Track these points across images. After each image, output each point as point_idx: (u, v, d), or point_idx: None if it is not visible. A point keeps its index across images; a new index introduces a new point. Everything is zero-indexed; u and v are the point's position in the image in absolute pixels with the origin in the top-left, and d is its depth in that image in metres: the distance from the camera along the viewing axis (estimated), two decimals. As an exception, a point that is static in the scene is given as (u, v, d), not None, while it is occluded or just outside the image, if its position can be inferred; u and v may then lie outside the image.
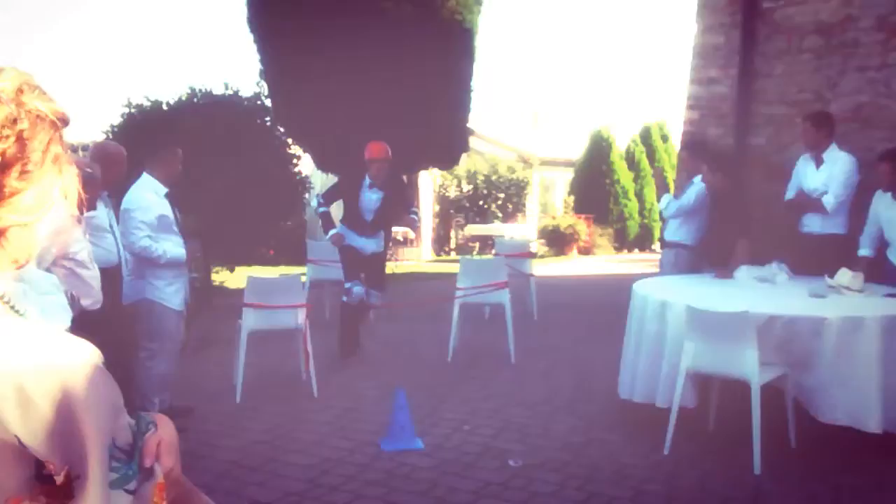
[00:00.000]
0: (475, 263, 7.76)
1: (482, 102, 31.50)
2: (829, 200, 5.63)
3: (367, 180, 6.74)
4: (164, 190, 5.07)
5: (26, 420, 0.87)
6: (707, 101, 6.86)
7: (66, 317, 3.26)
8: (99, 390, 0.93)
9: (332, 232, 6.87)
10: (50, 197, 0.98)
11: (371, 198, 6.81)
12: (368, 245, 6.94)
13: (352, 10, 10.23)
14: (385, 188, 6.80)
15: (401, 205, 7.09)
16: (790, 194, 5.97)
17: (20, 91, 0.94)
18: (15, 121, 0.92)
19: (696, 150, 6.44)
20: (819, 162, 5.78)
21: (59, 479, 0.89)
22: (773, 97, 6.50)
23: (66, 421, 0.89)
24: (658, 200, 6.46)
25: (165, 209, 5.03)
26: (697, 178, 6.19)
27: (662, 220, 6.78)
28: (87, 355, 0.95)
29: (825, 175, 5.72)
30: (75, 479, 0.89)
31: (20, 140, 0.92)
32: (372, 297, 6.99)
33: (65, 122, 1.00)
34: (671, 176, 11.80)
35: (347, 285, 6.85)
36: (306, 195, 10.98)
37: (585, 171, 21.85)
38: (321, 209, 6.89)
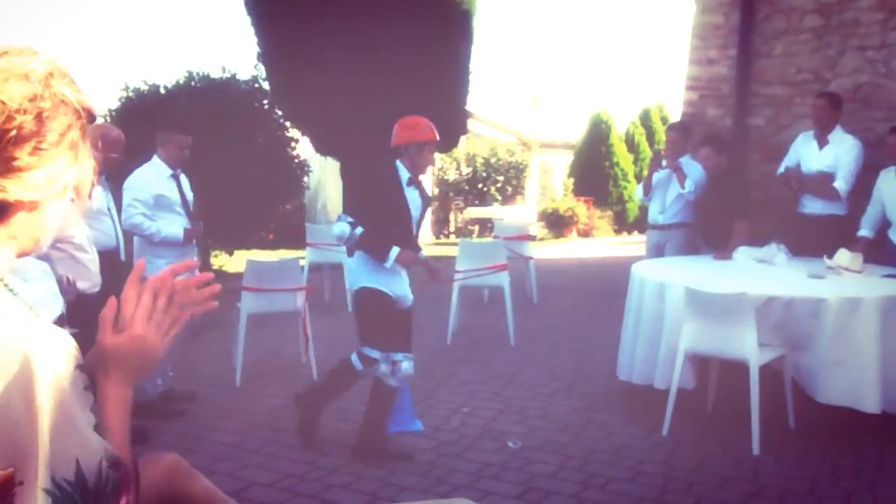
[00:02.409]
0: (474, 246, 7.75)
1: (481, 85, 31.31)
2: (841, 186, 5.60)
3: (405, 175, 4.27)
4: (169, 171, 5.16)
5: None
6: (706, 81, 6.83)
7: (58, 304, 3.24)
8: (64, 392, 0.90)
9: (393, 252, 4.14)
10: (61, 180, 0.98)
11: (415, 202, 4.34)
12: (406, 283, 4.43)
13: (350, -8, 10.15)
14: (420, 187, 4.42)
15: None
16: (782, 168, 5.95)
17: (50, 75, 0.97)
18: (36, 98, 0.94)
19: (684, 130, 6.39)
20: (823, 142, 5.75)
21: None
22: (772, 78, 6.48)
23: (15, 413, 0.84)
24: (681, 185, 6.14)
25: (166, 189, 5.12)
26: (684, 159, 6.17)
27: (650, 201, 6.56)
28: (63, 348, 0.93)
29: (831, 157, 5.68)
30: (18, 486, 0.83)
31: (39, 118, 0.94)
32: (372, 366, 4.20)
33: (90, 115, 1.02)
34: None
35: (382, 356, 4.15)
36: (305, 178, 10.95)
37: (585, 154, 21.82)
38: (357, 230, 4.15)
